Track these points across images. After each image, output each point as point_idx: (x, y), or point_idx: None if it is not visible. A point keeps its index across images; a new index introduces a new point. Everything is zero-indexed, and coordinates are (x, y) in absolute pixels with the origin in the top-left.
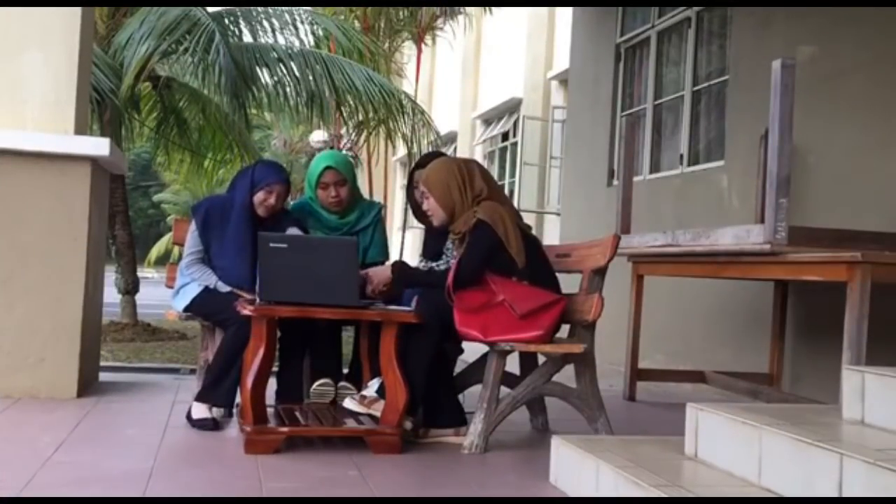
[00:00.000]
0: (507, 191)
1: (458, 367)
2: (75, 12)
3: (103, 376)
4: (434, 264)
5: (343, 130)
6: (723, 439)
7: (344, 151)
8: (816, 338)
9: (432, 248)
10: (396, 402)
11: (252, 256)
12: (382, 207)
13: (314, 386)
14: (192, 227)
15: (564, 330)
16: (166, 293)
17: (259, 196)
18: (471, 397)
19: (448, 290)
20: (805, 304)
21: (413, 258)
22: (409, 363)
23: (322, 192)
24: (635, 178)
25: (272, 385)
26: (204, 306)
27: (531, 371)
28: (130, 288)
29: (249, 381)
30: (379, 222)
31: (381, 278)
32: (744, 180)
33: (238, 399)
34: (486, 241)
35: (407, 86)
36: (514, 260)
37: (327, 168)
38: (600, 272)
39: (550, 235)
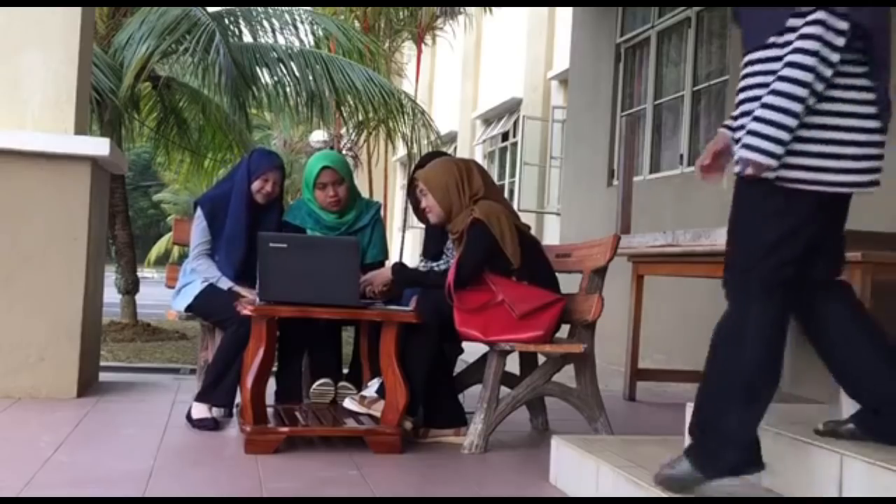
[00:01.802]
0: (506, 191)
1: (458, 367)
2: (75, 12)
3: (103, 376)
4: (434, 264)
5: (343, 130)
6: None
7: (344, 151)
8: None
9: (432, 248)
10: (396, 402)
11: (248, 242)
12: (381, 207)
13: (314, 386)
14: (199, 219)
15: (564, 330)
16: (166, 293)
17: (256, 185)
18: (471, 397)
19: (448, 290)
20: None
21: (413, 258)
22: (409, 363)
23: (320, 192)
24: (635, 178)
25: (272, 385)
26: (204, 306)
27: (531, 371)
28: (130, 288)
29: (249, 381)
30: (378, 222)
31: (381, 279)
32: None
33: (238, 399)
34: (483, 240)
35: (407, 86)
36: (509, 260)
37: (325, 168)
38: (600, 272)
39: (550, 235)
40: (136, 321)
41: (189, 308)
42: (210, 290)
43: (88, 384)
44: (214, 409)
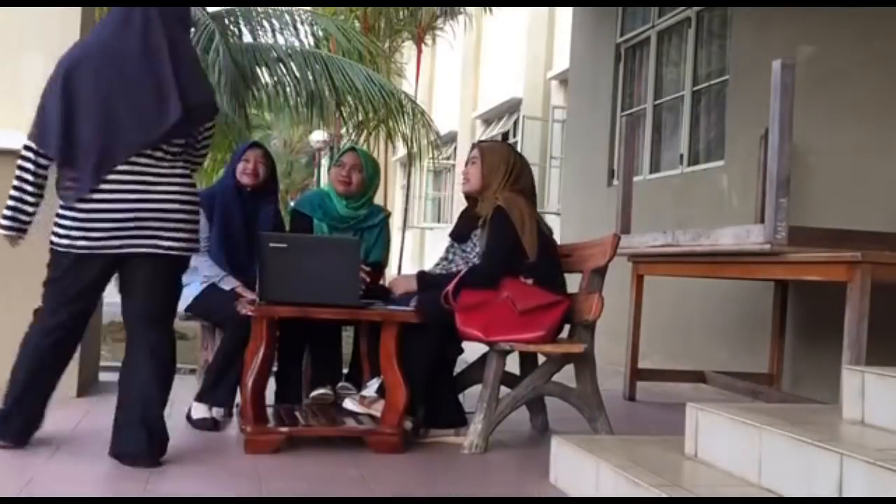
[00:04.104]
0: None
1: (458, 367)
2: (75, 13)
3: (103, 376)
4: (461, 248)
5: (343, 130)
6: (723, 439)
7: None
8: (816, 338)
9: (462, 228)
10: (396, 402)
11: (246, 238)
12: (389, 216)
13: (312, 394)
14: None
15: (564, 330)
16: None
17: (239, 168)
18: (471, 397)
19: (445, 296)
20: (805, 304)
21: (413, 258)
22: (410, 363)
23: (337, 168)
24: (635, 178)
25: (272, 385)
26: (204, 306)
27: (531, 371)
28: None
29: (249, 381)
30: (385, 228)
31: (406, 288)
32: (744, 180)
33: (238, 399)
34: (504, 227)
35: (407, 86)
36: (525, 252)
37: (352, 150)
38: (600, 272)
39: None
40: None
41: (189, 308)
42: (210, 291)
43: (88, 384)
44: (214, 409)
